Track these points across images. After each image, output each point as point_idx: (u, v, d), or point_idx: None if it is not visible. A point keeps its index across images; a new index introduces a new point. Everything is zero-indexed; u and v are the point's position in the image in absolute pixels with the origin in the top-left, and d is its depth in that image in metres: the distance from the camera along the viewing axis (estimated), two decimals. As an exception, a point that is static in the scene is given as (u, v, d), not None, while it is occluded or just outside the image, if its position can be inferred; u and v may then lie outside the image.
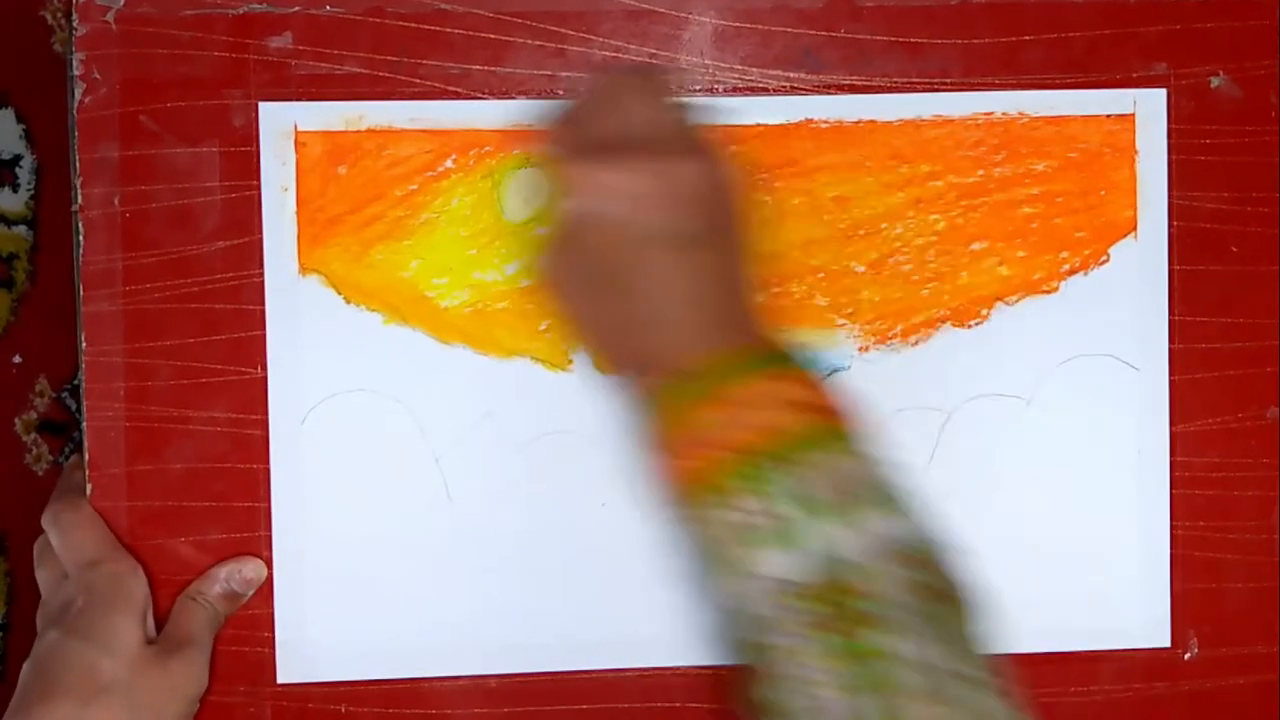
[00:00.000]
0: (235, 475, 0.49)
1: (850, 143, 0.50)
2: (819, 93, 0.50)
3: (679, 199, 0.40)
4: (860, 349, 0.50)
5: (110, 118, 0.48)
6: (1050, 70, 0.50)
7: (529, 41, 0.49)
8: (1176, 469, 0.51)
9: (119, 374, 0.48)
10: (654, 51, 0.49)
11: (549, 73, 0.49)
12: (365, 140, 0.49)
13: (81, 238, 0.48)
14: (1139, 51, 0.50)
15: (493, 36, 0.49)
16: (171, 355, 0.48)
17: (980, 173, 0.50)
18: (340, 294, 0.49)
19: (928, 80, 0.50)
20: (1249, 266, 0.51)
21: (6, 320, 0.85)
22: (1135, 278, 0.51)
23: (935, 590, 0.37)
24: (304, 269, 0.49)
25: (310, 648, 0.49)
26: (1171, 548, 0.51)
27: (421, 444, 0.49)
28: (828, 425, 0.39)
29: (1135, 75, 0.50)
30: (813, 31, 0.50)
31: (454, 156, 0.49)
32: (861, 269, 0.50)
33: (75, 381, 0.74)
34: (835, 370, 0.50)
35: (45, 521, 0.48)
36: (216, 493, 0.49)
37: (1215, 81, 0.51)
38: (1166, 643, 0.51)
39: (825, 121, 0.50)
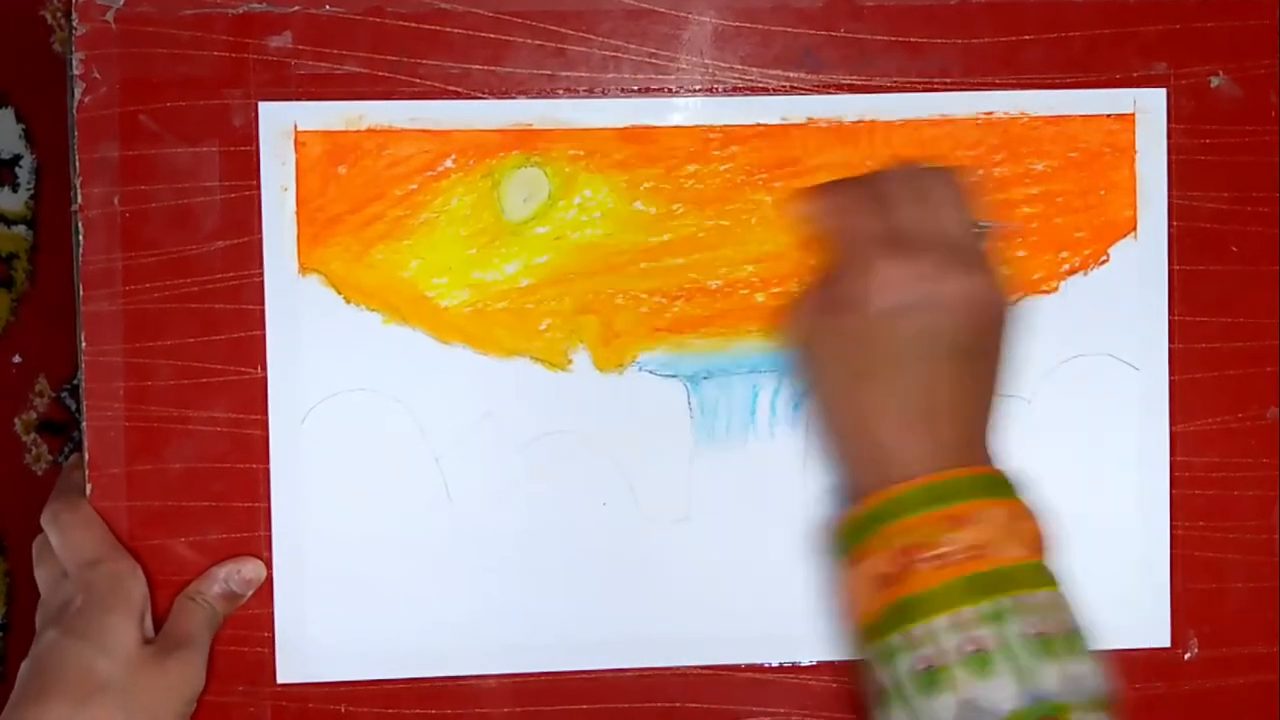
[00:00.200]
0: (235, 475, 0.49)
1: (850, 143, 0.50)
2: (819, 92, 0.50)
3: (972, 312, 0.42)
4: (860, 349, 0.50)
5: (110, 117, 0.48)
6: (1050, 70, 0.50)
7: (529, 41, 0.49)
8: (1176, 469, 0.51)
9: (119, 374, 0.48)
10: (654, 51, 0.49)
11: (549, 72, 0.49)
12: (365, 140, 0.49)
13: (81, 237, 0.48)
14: (1139, 51, 0.50)
15: (492, 36, 0.49)
16: (171, 355, 0.48)
17: (980, 172, 0.50)
18: (340, 294, 0.49)
19: (928, 80, 0.50)
20: (1249, 266, 0.51)
21: (6, 320, 0.85)
22: (1135, 278, 0.51)
23: None
24: (304, 269, 0.49)
25: (310, 648, 0.49)
26: (1171, 548, 0.51)
27: (421, 444, 0.49)
28: (1045, 560, 0.41)
29: (1135, 75, 0.50)
30: (813, 31, 0.50)
31: (454, 156, 0.49)
32: (861, 269, 0.50)
33: (75, 381, 0.74)
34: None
35: (44, 521, 0.48)
36: (216, 493, 0.49)
37: (1215, 81, 0.51)
38: (1166, 642, 0.51)
39: (825, 121, 0.50)
